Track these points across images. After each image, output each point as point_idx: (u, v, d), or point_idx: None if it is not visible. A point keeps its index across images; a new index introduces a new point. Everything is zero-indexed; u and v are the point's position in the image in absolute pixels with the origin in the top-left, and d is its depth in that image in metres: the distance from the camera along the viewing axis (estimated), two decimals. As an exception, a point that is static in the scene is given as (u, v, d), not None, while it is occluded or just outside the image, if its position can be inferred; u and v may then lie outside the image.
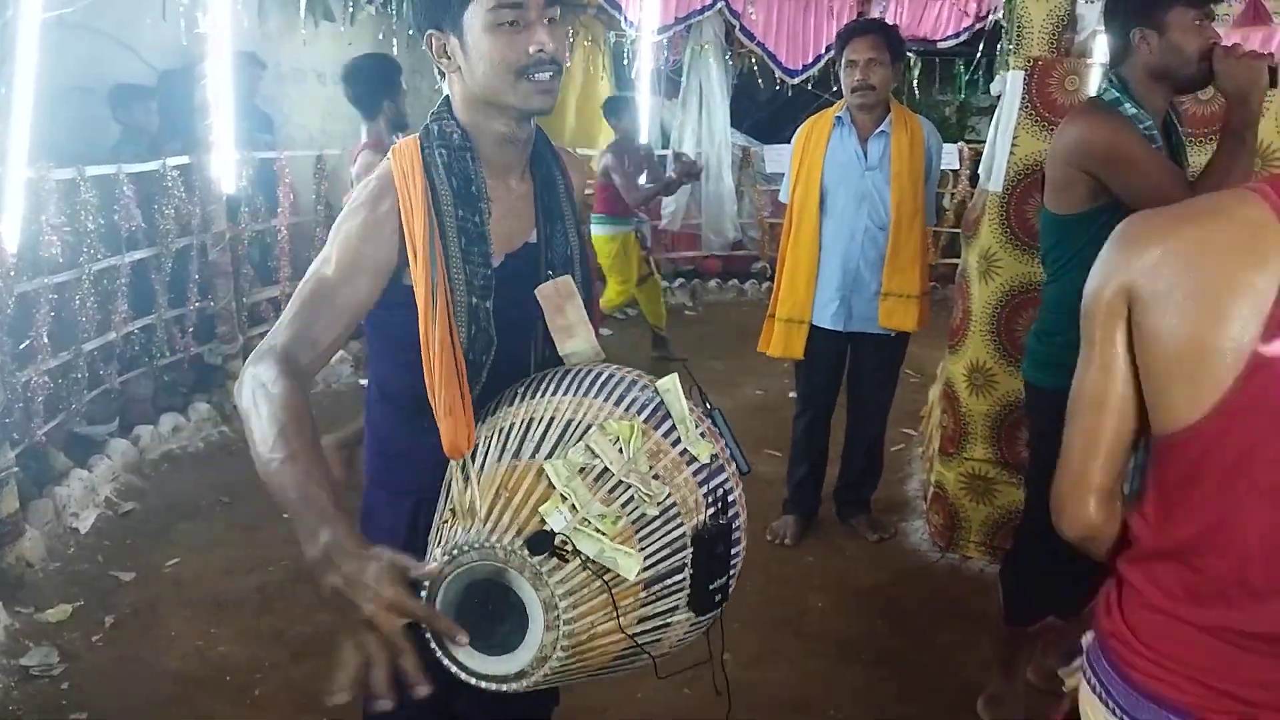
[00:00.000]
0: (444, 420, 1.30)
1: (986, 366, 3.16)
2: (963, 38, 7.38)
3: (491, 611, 1.16)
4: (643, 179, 5.37)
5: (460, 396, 1.32)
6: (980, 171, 3.36)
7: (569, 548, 1.12)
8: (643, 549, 1.17)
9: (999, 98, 3.18)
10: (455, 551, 1.14)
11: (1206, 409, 0.92)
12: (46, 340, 3.49)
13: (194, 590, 3.04)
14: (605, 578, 1.14)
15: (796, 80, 7.52)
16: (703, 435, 1.28)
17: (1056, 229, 2.11)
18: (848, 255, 3.19)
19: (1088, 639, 1.14)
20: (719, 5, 7.06)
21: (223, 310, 4.54)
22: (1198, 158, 2.59)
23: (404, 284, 1.35)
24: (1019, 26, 3.09)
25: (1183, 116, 2.23)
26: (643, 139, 6.06)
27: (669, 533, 1.20)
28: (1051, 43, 3.03)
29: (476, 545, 1.13)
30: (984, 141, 3.40)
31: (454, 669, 1.17)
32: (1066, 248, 2.08)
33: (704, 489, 1.25)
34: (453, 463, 1.29)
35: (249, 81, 4.98)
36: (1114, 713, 1.05)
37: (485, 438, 1.28)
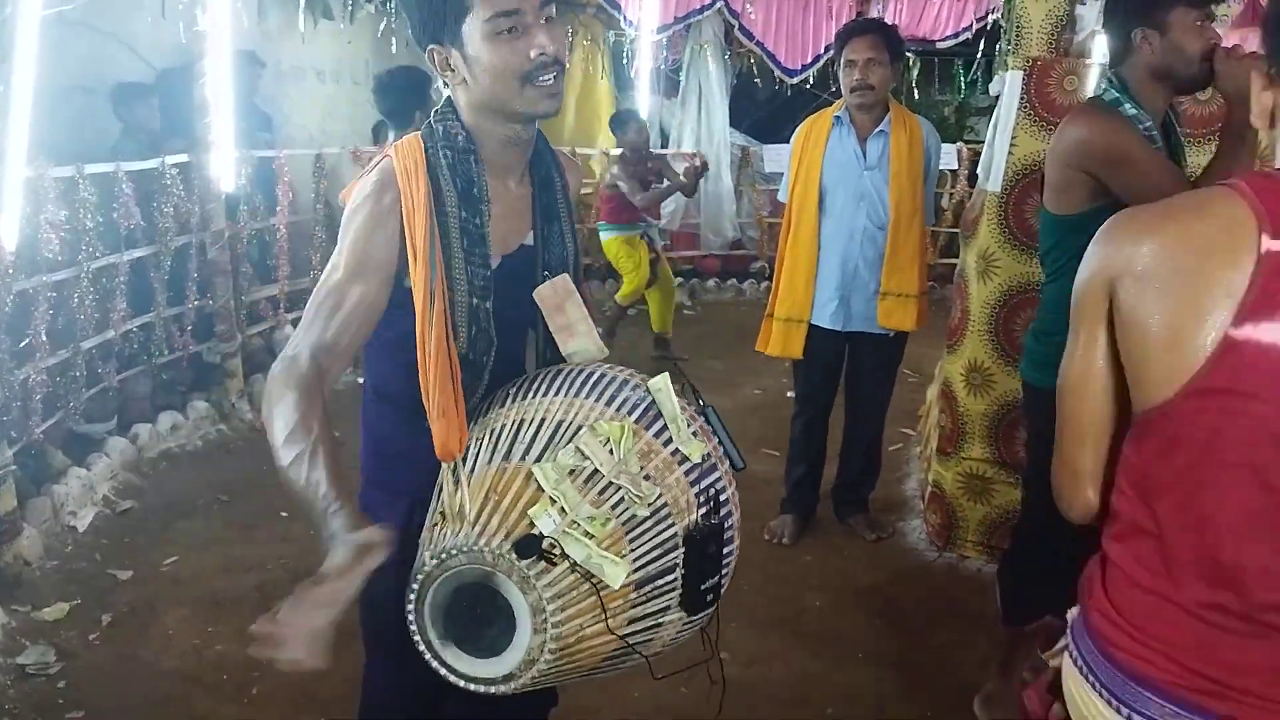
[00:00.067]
0: (437, 422, 1.30)
1: (984, 366, 3.16)
2: (962, 38, 7.39)
3: (480, 614, 1.17)
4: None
5: (454, 399, 1.32)
6: (979, 171, 3.36)
7: (557, 551, 1.12)
8: (633, 550, 1.17)
9: (998, 98, 3.18)
10: (443, 555, 1.14)
11: (1180, 387, 0.98)
12: (45, 338, 3.49)
13: (192, 589, 3.04)
14: (594, 580, 1.14)
15: (795, 80, 7.52)
16: (695, 434, 1.28)
17: (1055, 229, 2.11)
18: (846, 255, 3.19)
19: (1072, 614, 1.18)
20: (718, 5, 7.06)
21: (221, 309, 4.54)
22: (1196, 158, 2.60)
23: (403, 285, 1.35)
24: (1018, 26, 3.09)
25: (1181, 117, 2.23)
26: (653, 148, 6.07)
27: (660, 533, 1.20)
28: (1050, 43, 3.03)
29: (464, 549, 1.13)
30: (983, 141, 3.40)
31: (442, 671, 1.17)
32: (1065, 248, 2.08)
33: (696, 489, 1.25)
34: (443, 465, 1.30)
35: (248, 80, 4.98)
36: (1095, 688, 1.09)
37: (476, 439, 1.28)
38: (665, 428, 1.26)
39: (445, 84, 1.39)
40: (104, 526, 3.44)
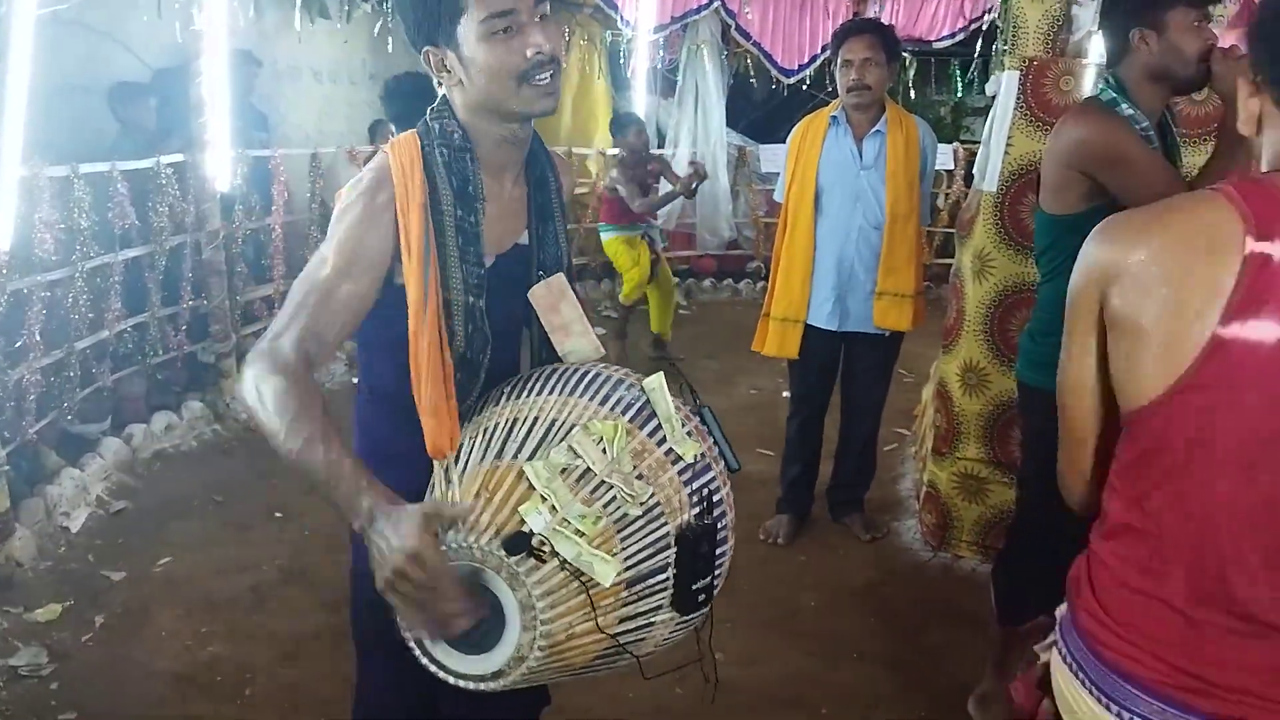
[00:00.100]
0: (427, 420, 1.30)
1: (980, 366, 3.16)
2: (958, 38, 7.38)
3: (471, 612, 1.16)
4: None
5: (445, 397, 1.32)
6: (975, 171, 3.36)
7: (547, 548, 1.12)
8: (624, 549, 1.17)
9: (994, 98, 3.19)
10: None
11: (1170, 384, 1.01)
12: (39, 338, 3.48)
13: (186, 590, 3.03)
14: (583, 578, 1.14)
15: (792, 80, 7.52)
16: (689, 434, 1.28)
17: (1052, 229, 2.11)
18: (842, 254, 3.19)
19: (1059, 612, 1.20)
20: (715, 5, 7.05)
21: (216, 309, 4.53)
22: (1191, 158, 2.60)
23: (395, 284, 1.34)
24: (1014, 27, 3.09)
25: (1177, 117, 2.23)
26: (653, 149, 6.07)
27: (652, 533, 1.20)
28: (1046, 43, 3.03)
29: (454, 545, 1.13)
30: (979, 141, 3.40)
31: (432, 667, 1.17)
32: (1061, 248, 2.08)
33: (689, 488, 1.24)
34: (436, 463, 1.29)
35: (244, 79, 4.97)
36: (1084, 685, 1.11)
37: (470, 438, 1.28)
38: (659, 427, 1.26)
39: (440, 84, 1.39)
40: (97, 527, 3.43)
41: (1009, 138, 2.98)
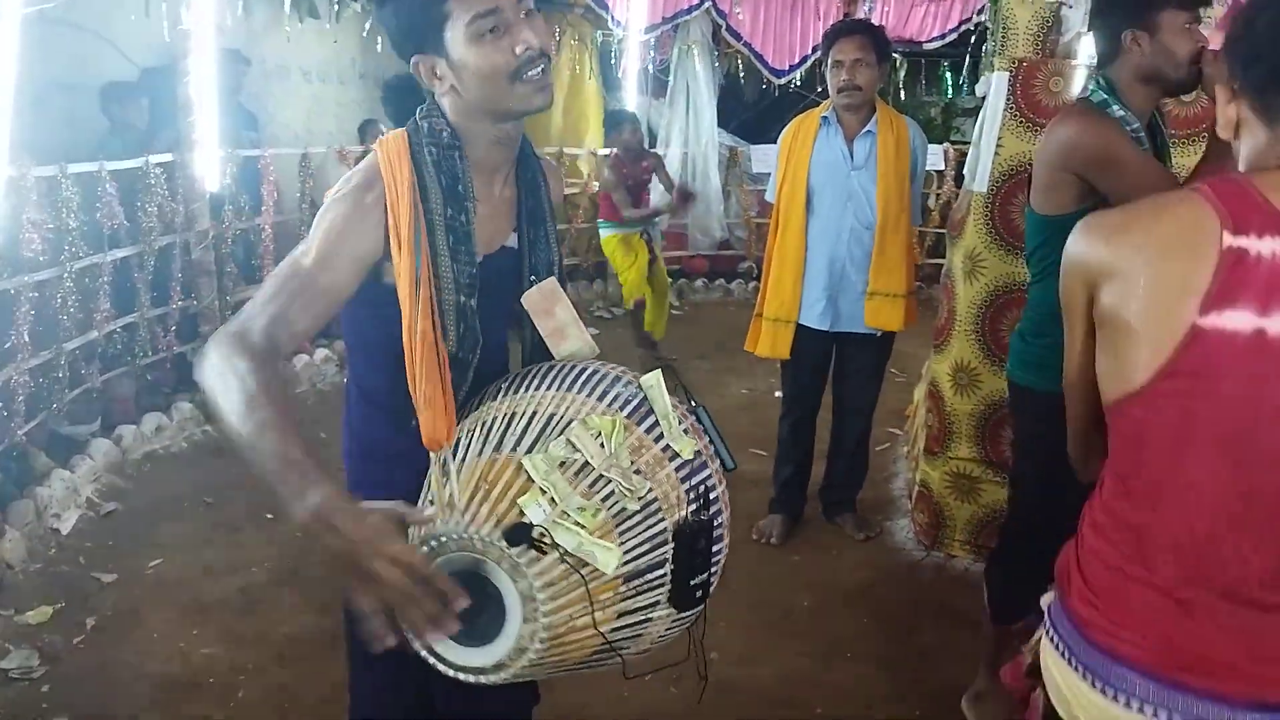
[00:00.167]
0: (423, 412, 1.29)
1: (971, 366, 3.18)
2: (948, 39, 7.42)
3: (470, 603, 1.16)
4: (654, 194, 5.50)
5: (441, 389, 1.31)
6: (965, 172, 3.37)
7: (547, 540, 1.12)
8: (623, 544, 1.17)
9: (984, 99, 3.20)
10: (434, 542, 1.13)
11: (1152, 374, 1.05)
12: (27, 339, 3.46)
13: (176, 592, 3.02)
14: (583, 571, 1.14)
15: (783, 80, 7.54)
16: (686, 432, 1.28)
17: (1042, 230, 2.11)
18: (834, 255, 3.20)
19: (1046, 600, 1.24)
20: (706, 5, 7.07)
21: (206, 309, 4.51)
22: (1180, 159, 2.61)
23: (384, 283, 1.34)
24: (1004, 28, 3.10)
25: (1166, 118, 2.24)
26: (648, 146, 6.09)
27: (649, 528, 1.20)
28: (1036, 44, 3.04)
29: (454, 536, 1.13)
30: (969, 142, 3.41)
31: (431, 660, 1.17)
32: (1052, 248, 2.08)
33: (686, 485, 1.25)
34: (433, 456, 1.29)
35: (232, 78, 4.95)
36: (1076, 670, 1.14)
37: (467, 432, 1.28)
38: (656, 424, 1.27)
39: (432, 97, 1.38)
40: (88, 529, 3.41)
41: (999, 139, 2.99)
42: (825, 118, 3.20)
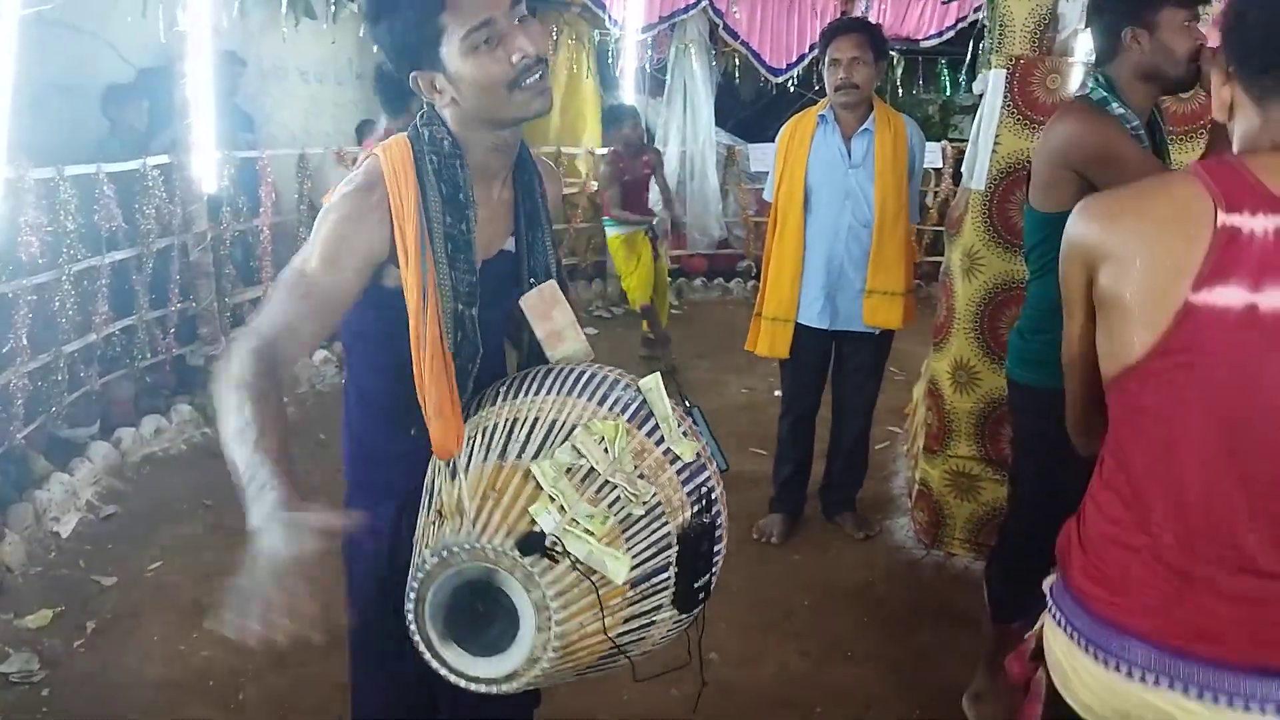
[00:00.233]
0: (434, 421, 1.29)
1: (970, 364, 3.17)
2: (945, 36, 7.42)
3: (481, 613, 1.16)
4: (652, 193, 5.52)
5: (450, 398, 1.31)
6: (963, 170, 3.37)
7: (559, 549, 1.12)
8: (629, 549, 1.17)
9: (981, 96, 3.19)
10: (445, 553, 1.13)
11: (1147, 350, 1.08)
12: (26, 342, 3.45)
13: (176, 595, 3.02)
14: (593, 578, 1.14)
15: (780, 79, 7.54)
16: (685, 434, 1.28)
17: (1041, 226, 2.11)
18: (832, 253, 3.20)
19: (1049, 582, 1.25)
20: (703, 4, 7.07)
21: (205, 311, 4.51)
22: (1178, 155, 2.61)
23: (386, 285, 1.34)
24: (1001, 25, 3.10)
25: (1165, 115, 2.24)
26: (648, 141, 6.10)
27: (654, 532, 1.20)
28: (1033, 41, 3.04)
29: (467, 546, 1.13)
30: (967, 140, 3.41)
31: (443, 671, 1.17)
32: (1051, 245, 2.07)
33: (688, 488, 1.25)
34: (438, 463, 1.29)
35: (229, 80, 4.95)
36: (1079, 644, 1.16)
37: (470, 438, 1.28)
38: (656, 427, 1.27)
39: (432, 106, 1.38)
40: (87, 532, 3.41)
41: (996, 136, 2.99)
42: (823, 116, 3.19)
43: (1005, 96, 2.96)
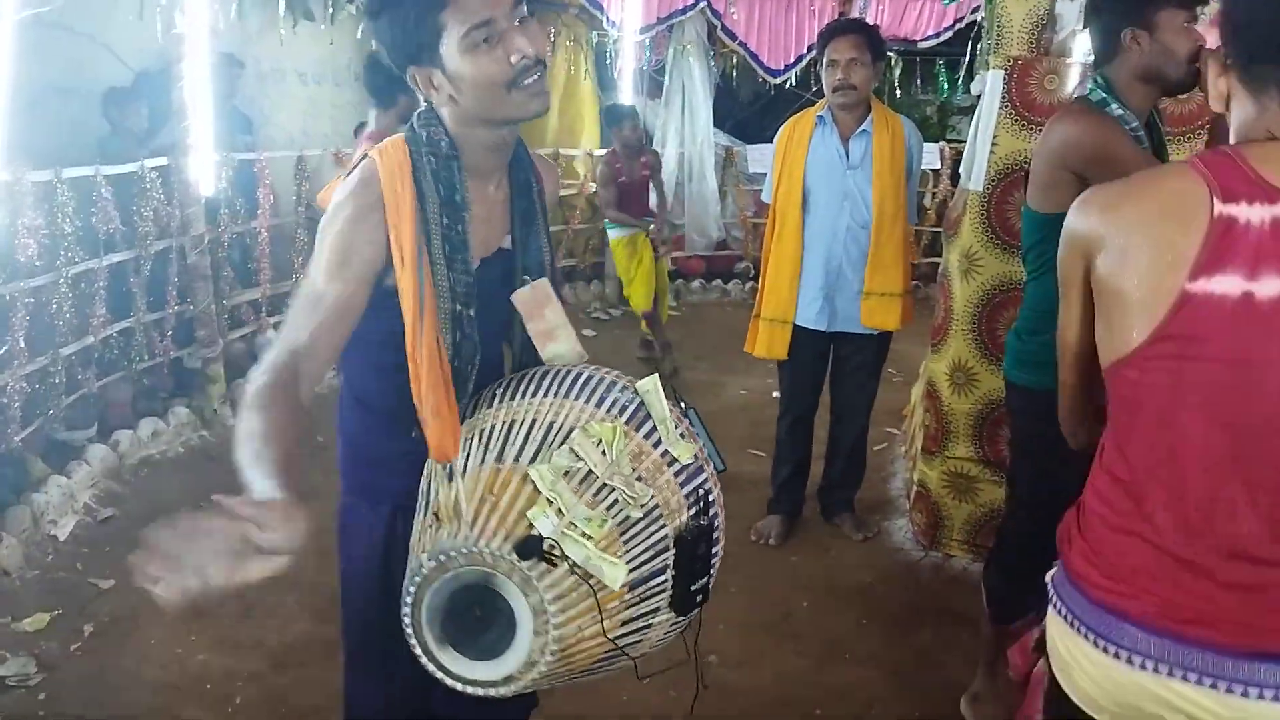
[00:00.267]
0: (430, 423, 1.29)
1: (968, 365, 3.17)
2: (943, 37, 7.41)
3: (478, 616, 1.16)
4: (652, 196, 5.54)
5: (447, 400, 1.31)
6: (961, 171, 3.37)
7: (557, 552, 1.12)
8: (627, 551, 1.17)
9: (979, 97, 3.19)
10: (442, 557, 1.13)
11: (1145, 338, 1.10)
12: (23, 344, 3.44)
13: (174, 597, 3.01)
14: (591, 582, 1.14)
15: (778, 80, 7.54)
16: (682, 436, 1.28)
17: (1039, 227, 2.11)
18: (830, 254, 3.20)
19: (1050, 575, 1.27)
20: (701, 5, 7.06)
21: (202, 313, 4.49)
22: (1177, 156, 2.61)
23: (385, 286, 1.34)
24: (998, 26, 3.10)
25: (1163, 116, 2.24)
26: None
27: (652, 535, 1.20)
28: (1031, 42, 3.04)
29: (464, 550, 1.12)
30: (964, 141, 3.41)
31: (439, 674, 1.16)
32: (1049, 246, 2.07)
33: (685, 490, 1.25)
34: (434, 465, 1.28)
35: (227, 82, 4.94)
36: (1079, 633, 1.17)
37: (466, 440, 1.28)
38: (654, 429, 1.26)
39: (428, 103, 1.38)
40: (85, 535, 3.40)
41: (994, 137, 2.99)
42: (820, 117, 3.19)
43: (1003, 97, 2.96)
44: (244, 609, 2.95)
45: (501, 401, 1.31)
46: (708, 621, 1.35)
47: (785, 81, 7.56)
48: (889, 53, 6.86)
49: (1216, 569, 1.09)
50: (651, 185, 5.57)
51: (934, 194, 7.35)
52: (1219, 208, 1.05)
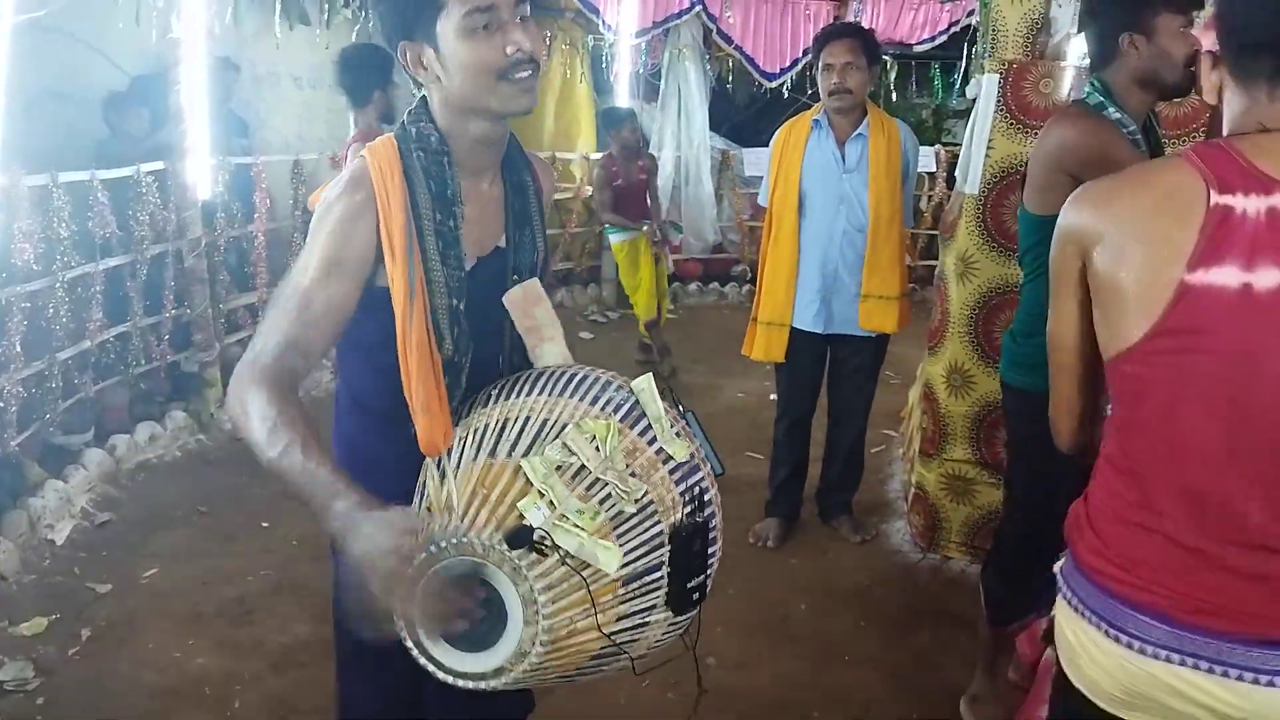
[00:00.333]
0: (420, 417, 1.29)
1: (965, 368, 3.18)
2: (939, 41, 7.44)
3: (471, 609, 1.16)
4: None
5: (437, 394, 1.32)
6: (957, 174, 3.38)
7: (548, 543, 1.12)
8: (621, 546, 1.17)
9: (974, 101, 3.21)
10: (433, 548, 1.13)
11: (1145, 331, 1.10)
12: (20, 349, 3.44)
13: (172, 602, 3.01)
14: (584, 573, 1.14)
15: (774, 84, 7.55)
16: (678, 435, 1.29)
17: (1036, 230, 2.12)
18: (826, 257, 3.21)
19: (1059, 565, 1.27)
20: (697, 9, 7.08)
21: (199, 317, 4.49)
22: (1171, 159, 2.62)
23: (378, 286, 1.34)
24: (993, 30, 3.11)
25: (1159, 119, 2.25)
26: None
27: (646, 530, 1.20)
28: (1026, 46, 3.06)
29: (454, 540, 1.13)
30: (960, 144, 3.43)
31: (430, 667, 1.17)
32: (1045, 249, 2.08)
33: (680, 487, 1.25)
34: (428, 461, 1.29)
35: (223, 86, 4.94)
36: (1091, 622, 1.17)
37: (460, 438, 1.28)
38: (649, 427, 1.27)
39: (417, 84, 1.38)
40: (82, 539, 3.39)
41: (989, 140, 3.01)
42: (816, 121, 3.20)
43: (998, 101, 2.97)
44: (242, 612, 2.95)
45: (496, 401, 1.32)
46: (706, 624, 1.35)
47: (781, 85, 7.58)
48: (884, 56, 6.86)
49: (1224, 558, 1.09)
50: (650, 186, 5.58)
51: (930, 197, 7.37)
52: (1214, 199, 1.05)
